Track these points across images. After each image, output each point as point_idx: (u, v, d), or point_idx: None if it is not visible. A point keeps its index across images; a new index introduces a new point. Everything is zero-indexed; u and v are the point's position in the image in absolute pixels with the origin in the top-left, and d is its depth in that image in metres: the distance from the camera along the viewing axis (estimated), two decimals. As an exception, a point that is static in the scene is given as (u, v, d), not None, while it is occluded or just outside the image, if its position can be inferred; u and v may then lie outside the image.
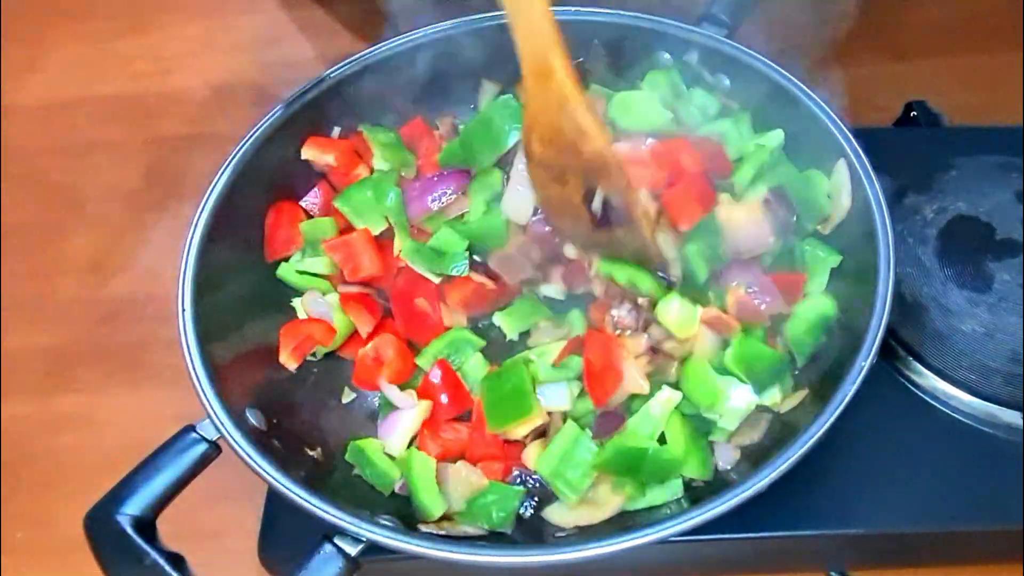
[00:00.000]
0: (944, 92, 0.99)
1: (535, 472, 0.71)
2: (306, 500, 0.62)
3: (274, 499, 0.73)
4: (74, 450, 0.88)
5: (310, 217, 0.84)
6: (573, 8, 0.85)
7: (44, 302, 0.99)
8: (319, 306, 0.79)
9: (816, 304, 0.74)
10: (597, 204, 0.72)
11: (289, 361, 0.77)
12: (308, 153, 0.84)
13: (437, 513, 0.69)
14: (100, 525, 0.62)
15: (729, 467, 0.71)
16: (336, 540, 0.61)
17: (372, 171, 0.85)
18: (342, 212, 0.82)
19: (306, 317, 0.79)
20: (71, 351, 0.95)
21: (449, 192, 0.81)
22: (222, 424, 0.66)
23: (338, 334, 0.78)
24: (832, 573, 0.76)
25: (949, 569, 0.77)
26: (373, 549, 0.61)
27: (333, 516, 0.61)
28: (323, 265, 0.81)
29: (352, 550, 0.61)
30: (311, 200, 0.84)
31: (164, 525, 0.64)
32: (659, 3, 0.85)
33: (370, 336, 0.79)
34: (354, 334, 0.79)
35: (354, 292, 0.80)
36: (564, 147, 0.70)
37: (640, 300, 0.73)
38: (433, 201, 0.81)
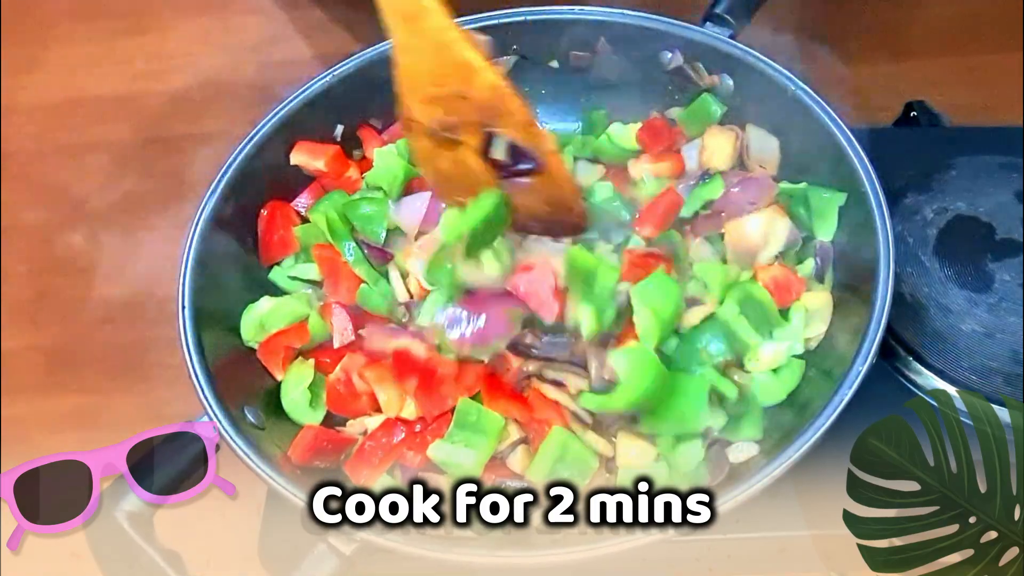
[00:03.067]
0: (944, 92, 0.99)
1: (524, 477, 0.71)
2: (298, 497, 0.62)
3: (274, 498, 0.73)
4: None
5: (304, 220, 0.83)
6: (578, 7, 0.85)
7: (44, 302, 0.99)
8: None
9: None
10: (500, 151, 0.65)
11: (279, 373, 0.76)
12: (297, 158, 0.83)
13: None
14: (97, 521, 0.62)
15: (741, 460, 0.71)
16: (330, 539, 0.61)
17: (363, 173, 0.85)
18: (318, 225, 0.80)
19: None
20: (71, 351, 0.95)
21: None
22: (219, 421, 0.66)
23: (311, 337, 0.76)
24: (832, 573, 0.76)
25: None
26: (368, 548, 0.61)
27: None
28: (315, 272, 0.81)
29: (346, 549, 0.61)
30: (302, 202, 0.84)
31: (164, 524, 0.64)
32: (665, 3, 0.85)
33: (343, 349, 0.77)
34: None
35: (342, 300, 0.79)
36: (452, 97, 0.62)
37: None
38: None
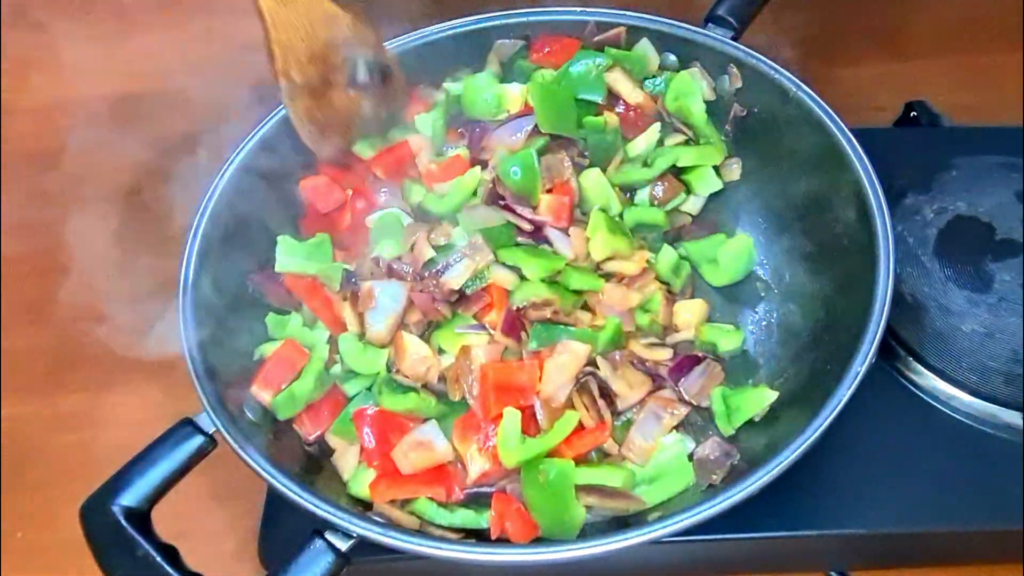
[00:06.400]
0: (944, 92, 0.99)
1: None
2: (295, 493, 0.62)
3: (274, 495, 0.73)
4: (74, 450, 0.88)
5: None
6: (578, 8, 0.85)
7: (44, 302, 0.99)
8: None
9: None
10: (363, 72, 0.79)
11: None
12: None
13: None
14: (94, 515, 0.63)
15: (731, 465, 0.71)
16: (327, 535, 0.61)
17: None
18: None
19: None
20: (71, 351, 0.95)
21: None
22: (219, 419, 0.66)
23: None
24: (832, 573, 0.76)
25: (949, 569, 0.77)
26: (365, 546, 0.61)
27: (322, 510, 0.61)
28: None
29: (343, 545, 0.61)
30: None
31: (164, 522, 0.64)
32: (666, 4, 0.85)
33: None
34: None
35: None
36: (322, 50, 0.76)
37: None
38: None
